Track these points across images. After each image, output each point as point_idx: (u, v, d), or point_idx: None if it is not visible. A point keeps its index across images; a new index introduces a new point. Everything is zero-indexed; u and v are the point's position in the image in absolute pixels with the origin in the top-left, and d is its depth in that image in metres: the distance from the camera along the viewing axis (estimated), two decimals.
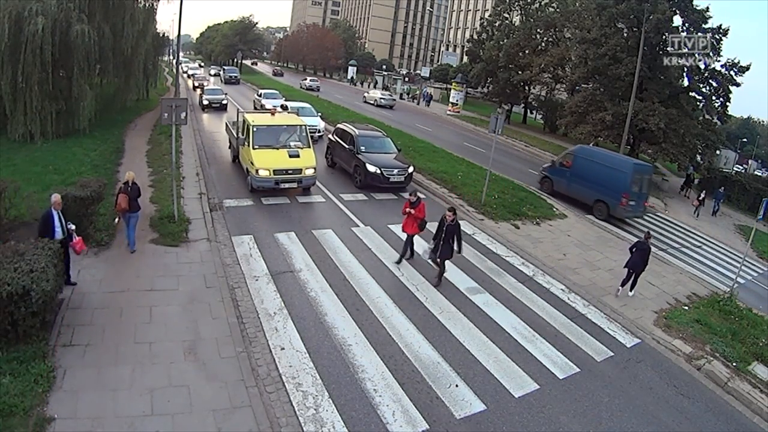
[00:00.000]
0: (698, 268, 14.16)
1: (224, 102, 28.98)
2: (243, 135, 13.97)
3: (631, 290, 10.26)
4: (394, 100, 41.78)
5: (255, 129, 13.24)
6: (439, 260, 9.12)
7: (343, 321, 7.69)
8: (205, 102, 28.70)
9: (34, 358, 5.72)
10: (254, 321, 7.38)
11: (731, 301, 10.75)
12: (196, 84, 38.08)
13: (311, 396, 6.01)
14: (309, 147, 13.77)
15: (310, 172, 13.27)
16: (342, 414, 5.78)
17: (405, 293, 8.84)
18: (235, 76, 47.84)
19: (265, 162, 12.70)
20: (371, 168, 14.27)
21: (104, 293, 7.47)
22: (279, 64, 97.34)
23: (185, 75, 49.50)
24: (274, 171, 12.70)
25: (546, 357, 7.55)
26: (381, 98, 40.50)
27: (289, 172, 12.94)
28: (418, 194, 10.06)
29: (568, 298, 9.77)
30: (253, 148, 12.94)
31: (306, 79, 51.34)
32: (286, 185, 13.06)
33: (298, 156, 13.18)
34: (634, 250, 10.15)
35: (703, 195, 22.13)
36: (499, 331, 8.05)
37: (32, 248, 6.33)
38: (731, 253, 17.15)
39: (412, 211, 9.66)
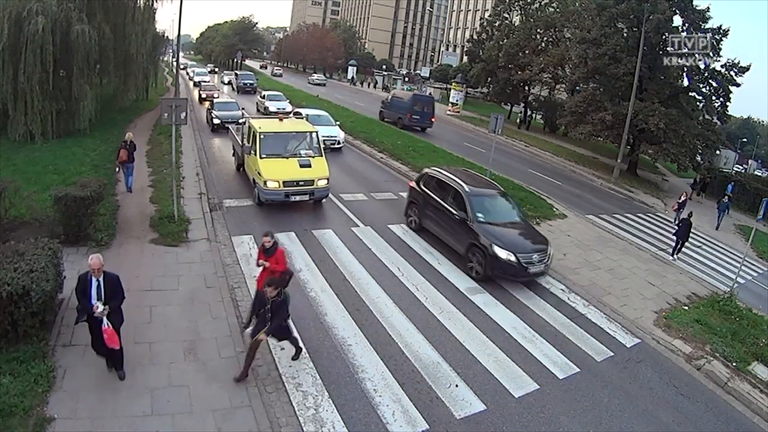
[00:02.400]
0: (698, 268, 14.15)
1: (242, 120, 19.46)
2: (249, 143, 12.82)
3: (677, 252, 14.26)
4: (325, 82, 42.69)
5: (262, 136, 12.15)
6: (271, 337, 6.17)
7: (343, 321, 7.69)
8: (216, 121, 21.23)
9: (34, 358, 5.72)
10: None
11: (731, 301, 10.74)
12: (204, 95, 29.92)
13: (311, 396, 6.01)
14: (321, 155, 12.67)
15: (323, 183, 12.14)
16: (342, 414, 5.78)
17: (405, 293, 8.83)
18: (251, 84, 38.79)
19: (273, 173, 11.64)
20: (502, 253, 9.46)
21: None
22: (279, 63, 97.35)
23: (191, 83, 43.34)
24: (283, 183, 11.59)
25: (546, 357, 7.55)
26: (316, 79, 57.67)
27: (301, 183, 11.80)
28: (274, 235, 7.11)
29: (568, 298, 9.77)
30: (261, 158, 11.87)
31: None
32: (297, 198, 11.90)
33: (309, 166, 12.09)
34: (680, 224, 14.28)
35: (684, 197, 18.72)
36: (499, 331, 8.05)
37: (32, 248, 6.33)
38: (731, 253, 17.14)
39: (267, 263, 6.88)
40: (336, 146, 19.44)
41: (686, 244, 14.76)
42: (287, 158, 12.16)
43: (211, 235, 10.10)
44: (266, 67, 79.79)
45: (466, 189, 10.65)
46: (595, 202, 19.43)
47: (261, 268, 7.07)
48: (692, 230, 18.05)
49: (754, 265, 16.11)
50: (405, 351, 7.14)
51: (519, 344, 7.78)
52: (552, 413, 6.37)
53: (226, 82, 44.88)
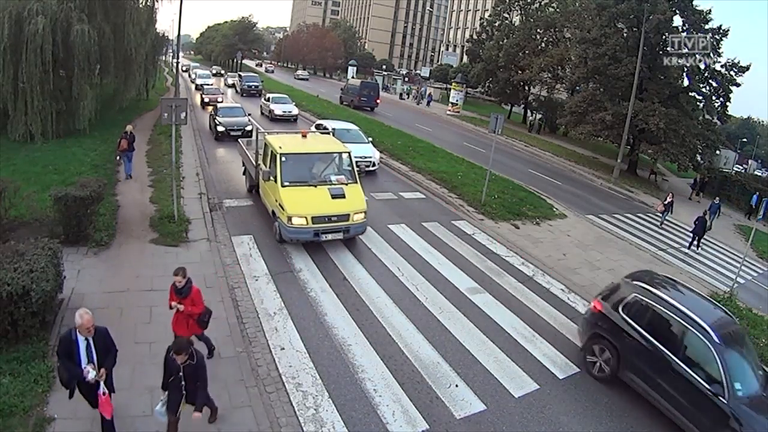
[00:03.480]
0: (698, 268, 14.15)
1: (249, 128, 18.60)
2: (266, 165, 10.76)
3: (696, 247, 15.96)
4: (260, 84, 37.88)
5: (283, 158, 9.98)
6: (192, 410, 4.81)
7: (343, 321, 7.69)
8: (220, 128, 19.31)
9: (34, 358, 5.72)
10: (254, 321, 7.38)
11: (731, 301, 10.74)
12: (207, 99, 27.93)
13: (311, 396, 6.01)
14: (356, 182, 10.49)
15: (359, 217, 9.96)
16: (342, 414, 5.78)
17: (405, 293, 8.83)
18: (256, 87, 35.90)
19: (299, 206, 9.44)
20: None
21: (104, 293, 7.46)
22: (279, 63, 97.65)
23: (192, 85, 41.13)
24: (313, 219, 9.45)
25: (546, 357, 7.55)
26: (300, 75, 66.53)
27: (333, 219, 9.62)
28: (186, 272, 5.76)
29: (568, 298, 9.77)
30: (282, 186, 9.71)
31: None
32: (330, 236, 9.76)
33: (343, 196, 9.86)
34: (697, 221, 15.67)
35: (670, 198, 18.20)
36: (499, 331, 8.05)
37: (32, 248, 6.33)
38: (731, 253, 17.14)
39: (180, 306, 5.68)
40: (371, 168, 16.38)
41: (683, 242, 15.69)
42: (315, 186, 9.95)
43: (211, 235, 10.10)
44: (261, 65, 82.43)
45: (709, 328, 6.21)
46: (595, 202, 19.44)
47: (174, 311, 5.81)
48: (708, 229, 18.12)
49: (754, 265, 16.11)
50: (405, 351, 7.14)
51: (519, 344, 7.78)
52: (552, 413, 6.37)
53: (229, 84, 42.27)
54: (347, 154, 10.92)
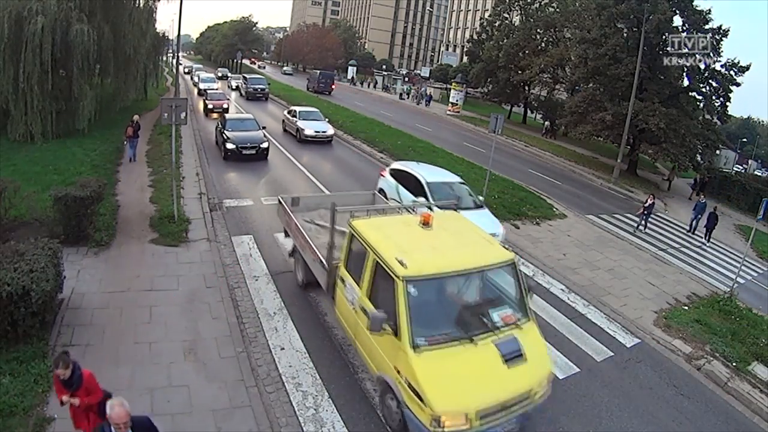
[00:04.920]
0: (698, 268, 14.15)
1: (264, 145, 16.21)
2: (364, 291, 5.93)
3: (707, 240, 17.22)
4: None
5: (412, 291, 5.32)
6: None
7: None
8: (230, 146, 15.87)
9: (34, 358, 5.72)
10: (254, 321, 7.38)
11: (731, 301, 10.75)
12: (211, 105, 25.31)
13: (311, 396, 6.01)
14: (530, 318, 5.97)
15: (543, 391, 5.59)
16: (342, 414, 5.78)
17: None
18: (263, 90, 32.89)
19: (453, 391, 4.96)
20: None
21: (104, 293, 7.46)
22: (279, 63, 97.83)
23: (195, 89, 37.45)
24: (480, 415, 4.95)
25: None
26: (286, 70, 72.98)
27: (512, 406, 5.19)
28: (69, 359, 4.31)
29: (568, 298, 9.77)
30: (414, 347, 5.08)
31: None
32: None
33: (520, 355, 5.36)
34: (709, 217, 17.09)
35: (651, 200, 16.24)
36: None
37: (32, 248, 6.33)
38: (731, 253, 17.14)
39: (75, 401, 4.35)
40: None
41: (683, 242, 16.19)
42: (472, 341, 5.30)
43: (211, 235, 10.10)
44: (254, 63, 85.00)
45: None
46: (595, 202, 19.44)
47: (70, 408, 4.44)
48: (693, 231, 18.14)
49: (754, 265, 16.11)
50: None
51: None
52: (552, 413, 6.36)
53: (233, 87, 39.03)
54: (511, 263, 6.10)
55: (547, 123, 39.22)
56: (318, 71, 48.68)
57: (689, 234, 18.06)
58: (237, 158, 16.09)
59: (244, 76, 37.81)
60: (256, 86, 33.08)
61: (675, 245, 16.10)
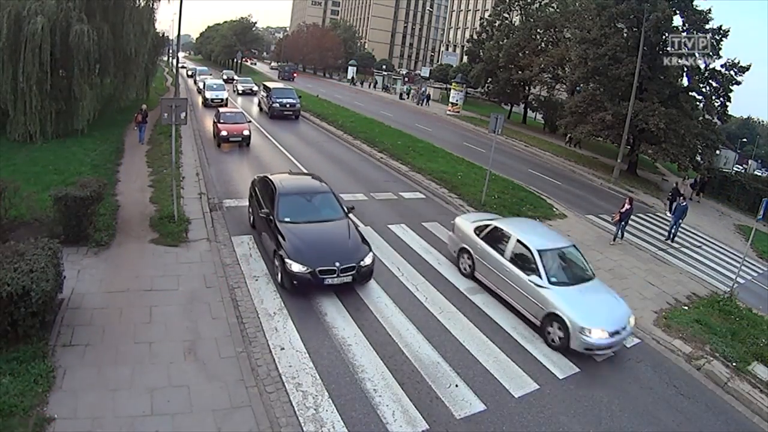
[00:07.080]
0: (698, 268, 14.14)
1: (368, 262, 8.46)
2: None
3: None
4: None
5: None
6: None
7: (343, 321, 7.68)
8: (297, 268, 7.90)
9: (34, 358, 5.71)
10: (254, 321, 7.38)
11: (731, 301, 10.75)
12: (226, 133, 18.21)
13: (311, 396, 6.01)
14: None
15: None
16: (342, 414, 5.78)
17: (405, 293, 8.83)
18: (293, 104, 26.12)
19: None
20: None
21: (104, 293, 7.46)
22: (279, 63, 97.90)
23: (199, 97, 31.44)
24: None
25: (546, 357, 7.55)
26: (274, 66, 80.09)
27: None
28: None
29: None
30: None
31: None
32: None
33: None
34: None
35: (628, 205, 14.03)
36: (499, 331, 8.05)
37: (32, 248, 6.32)
38: (731, 253, 17.13)
39: None
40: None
41: (676, 238, 16.29)
42: None
43: (211, 235, 10.09)
44: (248, 61, 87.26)
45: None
46: (595, 202, 19.43)
47: None
48: (691, 228, 18.11)
49: (754, 265, 16.10)
50: (405, 351, 7.14)
51: (519, 344, 7.78)
52: (552, 413, 6.37)
53: (239, 91, 34.51)
54: None
55: (571, 134, 35.60)
56: (285, 64, 70.53)
57: (666, 243, 15.65)
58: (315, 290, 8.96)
59: (266, 86, 28.23)
60: (285, 101, 25.61)
61: (675, 245, 15.96)
